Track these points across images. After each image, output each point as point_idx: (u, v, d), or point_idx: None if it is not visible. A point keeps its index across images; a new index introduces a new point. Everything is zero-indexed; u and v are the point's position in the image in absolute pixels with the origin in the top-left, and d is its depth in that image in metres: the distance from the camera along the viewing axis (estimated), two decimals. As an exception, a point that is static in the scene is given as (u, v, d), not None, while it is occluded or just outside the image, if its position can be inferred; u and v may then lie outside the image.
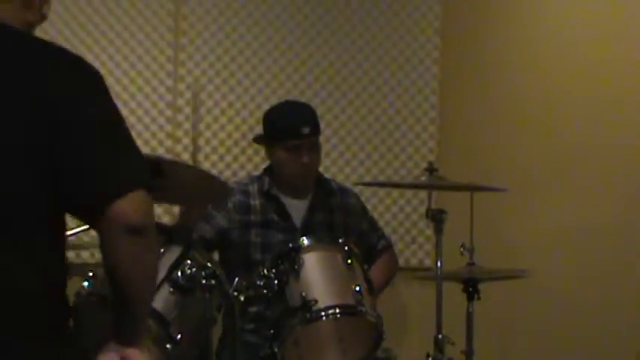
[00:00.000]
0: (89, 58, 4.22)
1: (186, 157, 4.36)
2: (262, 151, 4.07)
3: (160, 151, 4.33)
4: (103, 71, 4.14)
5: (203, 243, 3.68)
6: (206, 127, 4.42)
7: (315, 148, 3.75)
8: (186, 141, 4.38)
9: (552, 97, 4.60)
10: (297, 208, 3.81)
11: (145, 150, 4.30)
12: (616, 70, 4.54)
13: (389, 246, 4.04)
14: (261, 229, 3.75)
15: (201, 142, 4.41)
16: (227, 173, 4.41)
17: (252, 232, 3.74)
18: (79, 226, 3.70)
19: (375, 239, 3.95)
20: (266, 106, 4.09)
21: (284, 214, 3.78)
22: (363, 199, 4.14)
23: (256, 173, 4.03)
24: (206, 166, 4.38)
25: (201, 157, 4.41)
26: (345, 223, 3.87)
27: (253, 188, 3.81)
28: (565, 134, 4.58)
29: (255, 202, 3.78)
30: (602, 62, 4.56)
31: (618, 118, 4.53)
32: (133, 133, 2.15)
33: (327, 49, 4.54)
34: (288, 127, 3.74)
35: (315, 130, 3.76)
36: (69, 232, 3.56)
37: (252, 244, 3.73)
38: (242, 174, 4.36)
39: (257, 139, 3.95)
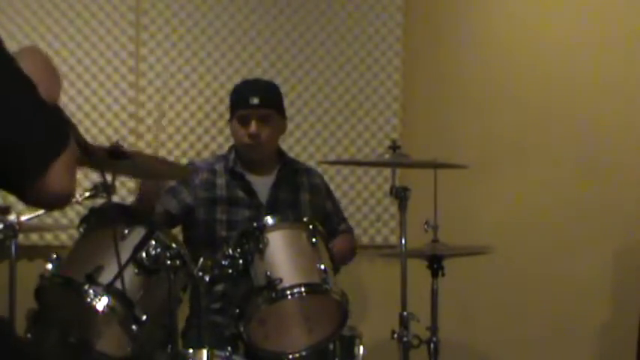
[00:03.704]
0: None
1: (149, 137, 4.36)
2: (219, 136, 4.15)
3: (123, 132, 4.31)
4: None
5: (168, 218, 3.74)
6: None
7: (264, 120, 3.78)
8: (149, 121, 4.37)
9: (514, 76, 4.64)
10: (262, 185, 3.84)
11: (107, 132, 4.30)
12: (576, 50, 4.59)
13: (349, 230, 4.07)
14: (227, 207, 3.78)
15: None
16: (191, 154, 4.40)
17: (218, 209, 3.78)
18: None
19: (336, 222, 3.98)
20: (229, 86, 4.10)
21: (249, 191, 3.81)
22: (327, 177, 4.17)
23: (223, 152, 4.06)
24: (168, 146, 4.38)
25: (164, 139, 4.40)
26: (310, 201, 3.89)
27: (219, 166, 3.85)
28: (526, 114, 4.62)
29: (221, 179, 3.82)
30: (563, 42, 4.61)
31: (577, 97, 4.59)
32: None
33: (289, 27, 4.53)
34: (238, 98, 3.84)
35: (266, 102, 3.79)
36: (31, 215, 3.56)
37: (217, 222, 3.77)
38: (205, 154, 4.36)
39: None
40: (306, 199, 3.88)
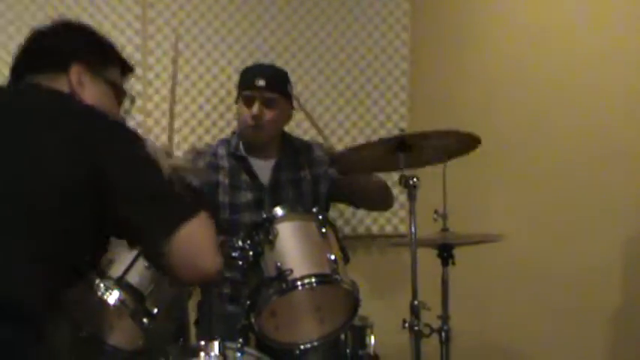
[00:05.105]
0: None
1: (157, 130, 4.35)
2: (227, 129, 4.25)
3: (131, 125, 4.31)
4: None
5: None
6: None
7: (269, 103, 3.84)
8: (157, 114, 4.37)
9: (524, 63, 4.62)
10: (263, 168, 3.90)
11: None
12: (589, 34, 4.58)
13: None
14: (230, 190, 3.83)
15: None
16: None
17: (221, 192, 3.83)
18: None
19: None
20: (237, 78, 4.10)
21: (251, 173, 3.85)
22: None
23: (226, 136, 4.09)
24: (176, 140, 4.38)
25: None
26: (313, 176, 3.94)
27: (222, 150, 3.92)
28: (537, 101, 4.60)
29: (224, 163, 3.87)
30: (574, 27, 4.59)
31: (589, 84, 4.57)
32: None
33: (296, 17, 4.52)
34: (245, 79, 3.91)
35: (272, 85, 3.84)
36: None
37: (220, 204, 3.82)
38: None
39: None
40: (307, 176, 3.93)
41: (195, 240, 2.06)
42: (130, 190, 2.09)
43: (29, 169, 2.07)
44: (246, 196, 3.84)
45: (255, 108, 3.81)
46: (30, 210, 2.04)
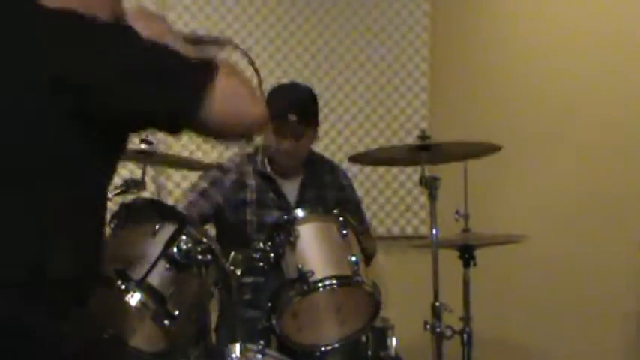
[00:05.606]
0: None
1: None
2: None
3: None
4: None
5: (200, 218, 3.72)
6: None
7: (300, 136, 3.75)
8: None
9: (543, 65, 4.60)
10: (290, 186, 3.86)
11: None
12: (604, 30, 4.56)
13: (366, 229, 4.04)
14: (257, 209, 3.78)
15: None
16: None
17: (248, 210, 3.78)
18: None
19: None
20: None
21: (278, 193, 3.81)
22: (356, 169, 4.16)
23: (249, 151, 4.05)
24: (197, 141, 4.38)
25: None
26: (337, 197, 3.90)
27: (248, 168, 3.83)
28: (556, 102, 4.58)
29: (251, 181, 3.81)
30: (594, 26, 4.57)
31: (607, 85, 4.55)
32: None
33: (315, 20, 4.52)
34: (276, 109, 3.67)
35: (304, 118, 3.74)
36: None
37: (247, 223, 3.77)
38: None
39: None
40: (332, 197, 3.89)
41: (229, 92, 1.94)
42: (132, 91, 1.91)
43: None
44: (273, 214, 3.79)
45: (288, 144, 3.73)
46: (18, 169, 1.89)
